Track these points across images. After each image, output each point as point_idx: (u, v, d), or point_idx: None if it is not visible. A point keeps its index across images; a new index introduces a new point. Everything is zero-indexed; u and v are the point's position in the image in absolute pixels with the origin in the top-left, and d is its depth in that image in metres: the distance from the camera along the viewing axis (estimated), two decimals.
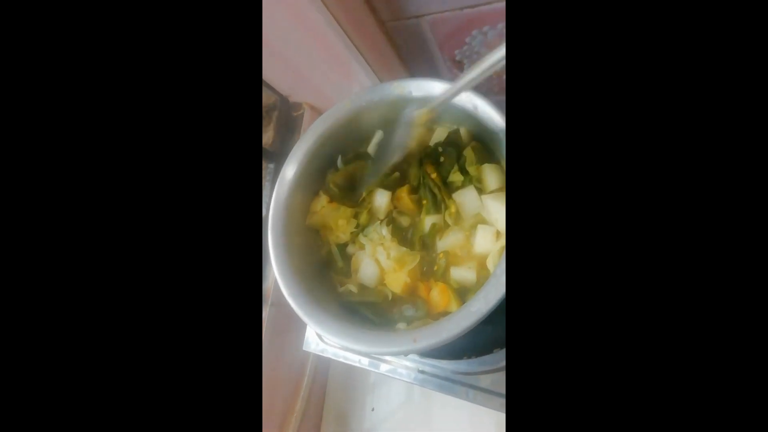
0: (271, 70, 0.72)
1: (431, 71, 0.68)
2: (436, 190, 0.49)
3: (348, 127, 0.52)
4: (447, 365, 0.57)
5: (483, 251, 0.46)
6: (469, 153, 0.48)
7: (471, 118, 0.45)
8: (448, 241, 0.48)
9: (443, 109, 0.44)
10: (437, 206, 0.49)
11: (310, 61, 0.63)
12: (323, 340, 0.65)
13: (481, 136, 0.49)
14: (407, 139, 0.46)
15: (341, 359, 0.64)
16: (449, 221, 0.49)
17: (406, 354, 0.55)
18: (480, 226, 0.46)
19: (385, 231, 0.49)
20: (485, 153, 0.49)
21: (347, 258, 0.52)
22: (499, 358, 0.55)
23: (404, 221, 0.51)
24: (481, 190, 0.47)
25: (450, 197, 0.48)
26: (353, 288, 0.49)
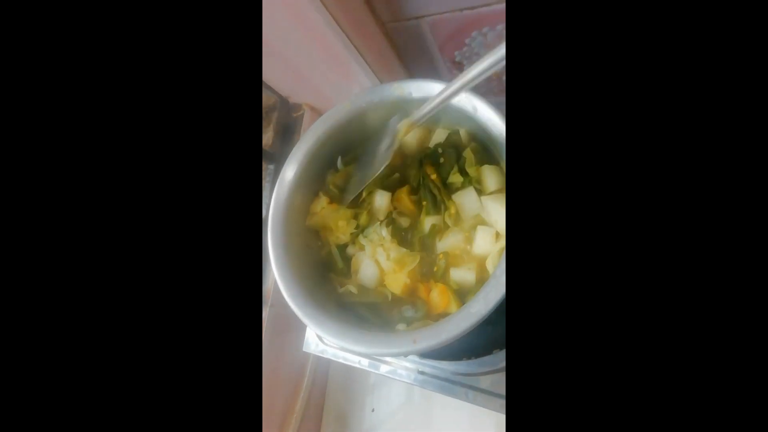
0: (271, 71, 0.72)
1: (431, 72, 0.68)
2: (435, 191, 0.49)
3: (348, 128, 0.51)
4: (447, 366, 0.57)
5: (483, 252, 0.46)
6: (468, 154, 0.48)
7: (470, 119, 0.45)
8: (447, 242, 0.48)
9: (440, 112, 0.44)
10: (437, 207, 0.49)
11: (309, 62, 0.63)
12: (323, 341, 0.65)
13: (480, 137, 0.49)
14: (392, 148, 0.46)
15: (341, 360, 0.64)
16: (449, 222, 0.49)
17: (405, 355, 0.55)
18: (479, 227, 0.46)
19: (384, 232, 0.49)
20: (485, 154, 0.49)
21: (347, 259, 0.52)
22: (499, 359, 0.55)
23: (404, 222, 0.51)
24: (480, 192, 0.47)
25: (450, 198, 0.48)
26: (353, 289, 0.49)
